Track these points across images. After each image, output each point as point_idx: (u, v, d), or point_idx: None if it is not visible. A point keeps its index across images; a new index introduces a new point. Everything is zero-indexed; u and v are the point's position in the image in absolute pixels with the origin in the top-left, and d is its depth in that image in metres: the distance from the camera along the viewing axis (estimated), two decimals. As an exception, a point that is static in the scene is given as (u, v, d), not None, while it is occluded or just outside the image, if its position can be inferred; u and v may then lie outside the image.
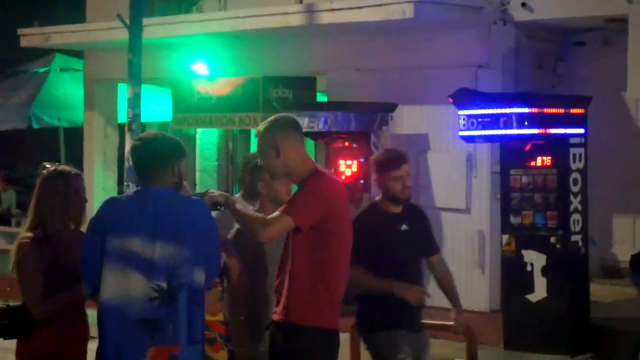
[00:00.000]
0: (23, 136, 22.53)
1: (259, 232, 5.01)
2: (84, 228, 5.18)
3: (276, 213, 5.03)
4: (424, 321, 6.88)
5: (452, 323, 6.83)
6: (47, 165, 5.37)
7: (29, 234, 5.20)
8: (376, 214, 6.42)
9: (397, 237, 6.41)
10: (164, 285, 4.61)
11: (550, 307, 10.49)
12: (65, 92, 18.47)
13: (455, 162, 12.96)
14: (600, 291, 12.12)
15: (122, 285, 4.61)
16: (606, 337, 10.75)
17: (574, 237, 10.58)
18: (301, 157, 5.16)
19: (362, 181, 12.85)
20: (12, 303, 5.29)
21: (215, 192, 5.16)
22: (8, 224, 18.60)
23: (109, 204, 4.79)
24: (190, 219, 4.71)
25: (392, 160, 6.36)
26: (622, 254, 12.89)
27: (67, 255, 5.17)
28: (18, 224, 18.05)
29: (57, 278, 5.11)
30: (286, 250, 5.14)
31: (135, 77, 12.01)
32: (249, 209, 5.45)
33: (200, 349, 4.74)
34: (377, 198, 6.52)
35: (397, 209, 6.45)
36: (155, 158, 4.76)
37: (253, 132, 16.49)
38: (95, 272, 4.67)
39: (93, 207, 5.57)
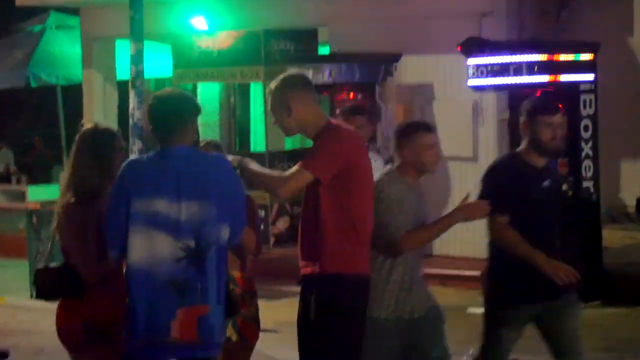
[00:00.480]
0: (20, 95, 22.38)
1: (277, 189, 5.02)
2: None
3: (294, 168, 5.03)
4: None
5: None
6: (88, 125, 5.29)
7: (71, 196, 5.11)
8: (520, 166, 5.87)
9: (544, 195, 5.86)
10: (192, 244, 4.57)
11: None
12: (62, 50, 18.29)
13: (461, 110, 12.91)
14: (609, 236, 12.14)
15: (149, 248, 4.58)
16: (615, 283, 10.78)
17: (586, 184, 10.58)
18: (313, 113, 5.15)
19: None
20: (54, 264, 5.22)
21: (228, 156, 5.15)
22: (9, 182, 18.51)
23: (130, 167, 4.73)
24: (214, 175, 4.67)
25: (547, 105, 5.92)
26: (630, 199, 12.91)
27: None
28: (18, 182, 17.99)
29: (101, 239, 5.05)
30: (308, 204, 5.12)
31: (137, 34, 11.86)
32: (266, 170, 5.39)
33: (224, 310, 4.71)
34: (519, 148, 5.99)
35: (541, 162, 5.89)
36: (175, 116, 4.70)
37: (253, 85, 16.47)
38: (121, 236, 4.63)
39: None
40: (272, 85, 5.18)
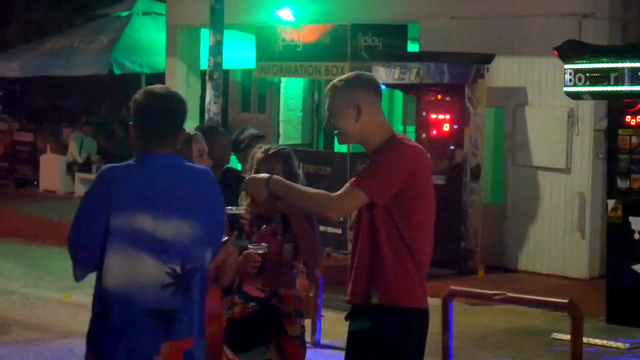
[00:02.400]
0: (104, 82, 22.19)
1: (326, 212, 4.50)
2: None
3: (346, 187, 4.48)
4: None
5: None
6: None
7: None
8: None
9: None
10: (178, 268, 3.98)
11: None
12: (148, 37, 18.06)
13: (556, 118, 12.23)
14: None
15: (131, 271, 3.96)
16: None
17: None
18: (380, 122, 4.59)
19: (452, 147, 12.15)
20: None
21: (258, 175, 4.67)
22: (89, 171, 18.39)
23: (110, 175, 4.05)
24: (202, 191, 4.07)
25: None
26: None
27: None
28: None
29: None
30: (360, 226, 4.58)
31: (217, 24, 11.43)
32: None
33: (204, 341, 4.17)
34: None
35: None
36: (170, 117, 4.06)
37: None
38: (94, 255, 3.99)
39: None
40: (339, 82, 4.60)
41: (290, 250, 5.35)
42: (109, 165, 4.13)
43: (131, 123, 4.11)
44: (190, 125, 16.84)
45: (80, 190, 17.69)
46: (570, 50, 10.06)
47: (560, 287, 11.41)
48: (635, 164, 10.00)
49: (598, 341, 9.36)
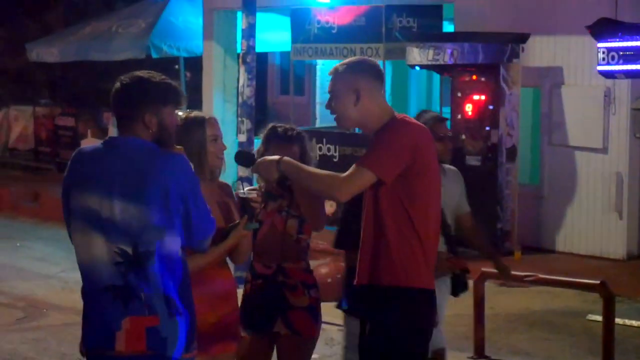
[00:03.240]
0: (144, 65, 22.28)
1: (335, 192, 4.53)
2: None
3: (352, 168, 4.53)
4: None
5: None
6: (180, 113, 4.86)
7: None
8: None
9: None
10: (129, 250, 4.06)
11: None
12: (185, 21, 18.04)
13: (592, 97, 12.10)
14: None
15: (87, 248, 4.12)
16: None
17: None
18: (380, 105, 4.66)
19: (487, 127, 12.08)
20: None
21: (268, 157, 4.72)
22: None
23: (75, 156, 4.25)
24: (164, 177, 4.07)
25: None
26: None
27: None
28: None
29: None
30: (366, 207, 4.62)
31: (249, 7, 11.39)
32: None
33: (184, 323, 4.15)
34: None
35: None
36: (129, 102, 4.14)
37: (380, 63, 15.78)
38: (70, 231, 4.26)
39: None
40: (341, 66, 4.69)
41: (294, 225, 5.41)
42: (78, 148, 4.33)
43: None
44: (229, 108, 17.01)
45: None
46: (603, 29, 9.98)
47: (597, 268, 11.33)
48: (672, 143, 9.92)
49: (634, 322, 9.29)
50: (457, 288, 6.27)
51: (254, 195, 4.83)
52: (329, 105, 4.70)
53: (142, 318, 4.07)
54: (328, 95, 4.73)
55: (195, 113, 4.97)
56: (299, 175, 4.65)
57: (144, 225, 4.06)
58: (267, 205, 5.40)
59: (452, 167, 6.46)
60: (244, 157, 5.16)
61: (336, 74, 4.67)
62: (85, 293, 4.17)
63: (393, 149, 4.49)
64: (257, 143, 11.28)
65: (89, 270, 4.12)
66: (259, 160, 4.80)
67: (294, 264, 5.45)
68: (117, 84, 4.21)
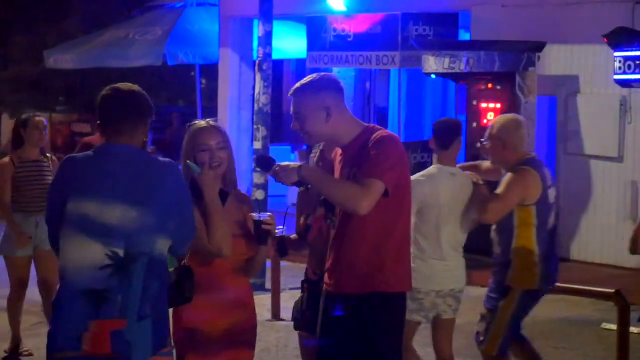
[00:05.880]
0: (161, 72, 22.34)
1: (357, 204, 4.59)
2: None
3: (367, 180, 4.60)
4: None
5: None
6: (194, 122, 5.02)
7: None
8: None
9: None
10: (121, 252, 4.16)
11: None
12: (201, 28, 18.09)
13: (608, 106, 12.10)
14: None
15: (74, 253, 4.20)
16: None
17: None
18: (348, 119, 4.79)
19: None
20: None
21: (289, 163, 4.80)
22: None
23: (67, 164, 4.34)
24: (157, 181, 4.24)
25: None
26: None
27: None
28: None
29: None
30: (345, 218, 4.75)
31: (266, 14, 11.44)
32: None
33: (152, 324, 4.24)
34: None
35: None
36: (128, 111, 4.29)
37: (394, 71, 15.87)
38: (56, 239, 4.30)
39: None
40: (302, 85, 4.78)
41: None
42: (68, 155, 4.39)
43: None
44: (245, 116, 17.02)
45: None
46: (619, 37, 10.00)
47: (613, 276, 11.31)
48: (687, 153, 9.90)
49: (649, 331, 9.26)
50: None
51: (267, 217, 4.89)
52: (295, 126, 4.79)
53: (110, 321, 4.15)
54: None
55: (196, 122, 5.04)
56: (320, 184, 4.73)
57: (141, 227, 4.17)
58: (316, 209, 5.48)
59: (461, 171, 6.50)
60: (264, 162, 5.20)
61: (299, 94, 4.75)
62: (59, 298, 4.23)
63: (394, 162, 4.64)
64: (273, 150, 11.34)
65: (71, 274, 4.19)
66: (278, 165, 4.84)
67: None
68: (115, 92, 4.33)
